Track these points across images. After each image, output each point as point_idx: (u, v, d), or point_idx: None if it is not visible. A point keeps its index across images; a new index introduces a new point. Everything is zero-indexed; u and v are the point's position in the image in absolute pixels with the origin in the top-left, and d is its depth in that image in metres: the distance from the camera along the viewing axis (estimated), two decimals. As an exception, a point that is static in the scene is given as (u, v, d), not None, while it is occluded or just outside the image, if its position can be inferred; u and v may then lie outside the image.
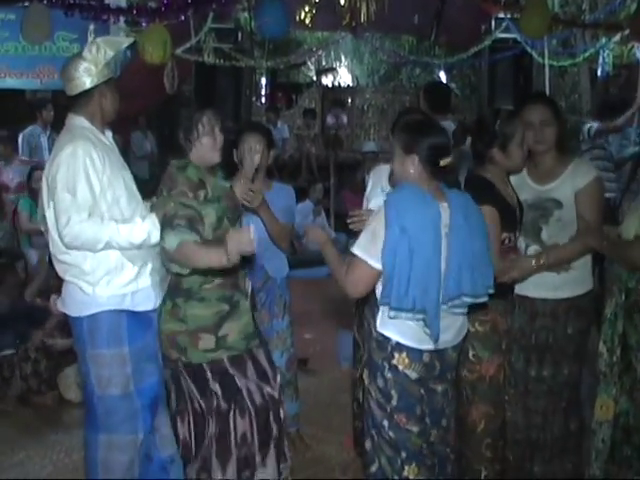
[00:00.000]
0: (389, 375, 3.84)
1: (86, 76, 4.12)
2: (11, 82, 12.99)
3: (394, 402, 3.85)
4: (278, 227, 4.95)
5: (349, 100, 17.12)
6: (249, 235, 3.60)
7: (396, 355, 3.82)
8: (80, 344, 4.19)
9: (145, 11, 9.30)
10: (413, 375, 3.82)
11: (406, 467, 3.87)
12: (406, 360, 3.81)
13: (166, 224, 3.90)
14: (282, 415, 4.40)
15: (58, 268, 4.20)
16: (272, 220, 4.88)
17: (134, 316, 4.12)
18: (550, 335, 4.47)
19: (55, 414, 6.14)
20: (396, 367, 3.82)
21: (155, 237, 3.99)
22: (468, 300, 3.80)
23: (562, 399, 4.51)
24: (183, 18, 9.39)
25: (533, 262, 4.32)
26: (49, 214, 4.09)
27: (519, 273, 4.29)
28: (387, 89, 17.93)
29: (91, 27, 11.70)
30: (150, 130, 13.76)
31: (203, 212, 3.98)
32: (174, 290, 4.13)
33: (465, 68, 17.08)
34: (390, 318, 3.74)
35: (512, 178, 4.51)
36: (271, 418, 4.31)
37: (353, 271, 3.83)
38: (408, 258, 3.63)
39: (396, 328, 3.80)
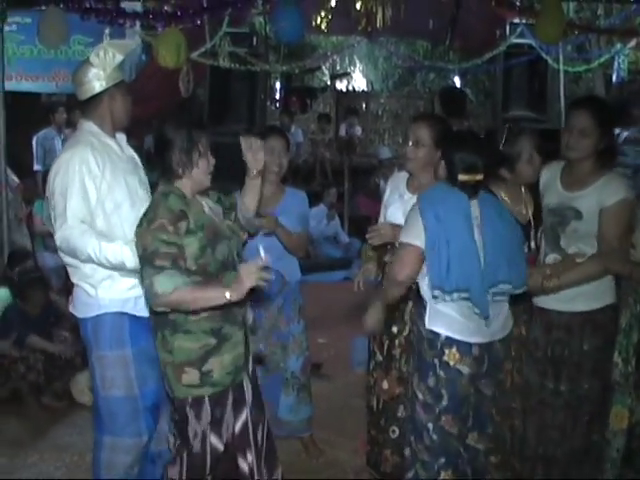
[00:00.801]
0: (441, 373, 3.95)
1: (95, 80, 4.16)
2: (27, 85, 13.03)
3: (444, 402, 3.94)
4: (294, 239, 5.01)
5: (363, 105, 17.12)
6: (258, 267, 3.55)
7: (446, 351, 3.94)
8: (87, 345, 4.28)
9: (161, 15, 9.31)
10: (465, 370, 3.92)
11: (442, 472, 3.94)
12: (457, 355, 3.93)
13: (147, 263, 3.67)
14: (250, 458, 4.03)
15: (68, 270, 4.27)
16: (288, 235, 4.96)
17: (137, 319, 4.14)
18: (565, 349, 4.37)
19: (68, 417, 6.15)
20: (447, 363, 3.94)
21: (130, 264, 3.94)
22: (506, 287, 3.92)
23: (583, 413, 4.38)
24: (199, 22, 9.40)
25: (542, 281, 4.20)
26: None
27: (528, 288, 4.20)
28: (401, 94, 17.94)
29: (106, 31, 11.73)
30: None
31: (185, 243, 3.72)
32: (162, 322, 3.85)
33: (479, 73, 17.03)
34: (434, 298, 3.92)
35: (546, 177, 4.47)
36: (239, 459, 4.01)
37: (398, 256, 4.10)
38: (445, 241, 3.86)
39: (445, 323, 3.95)
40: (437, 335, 3.96)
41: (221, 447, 3.91)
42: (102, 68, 4.14)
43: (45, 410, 6.25)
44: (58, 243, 4.02)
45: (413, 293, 4.21)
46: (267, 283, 3.68)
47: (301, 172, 15.22)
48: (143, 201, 4.17)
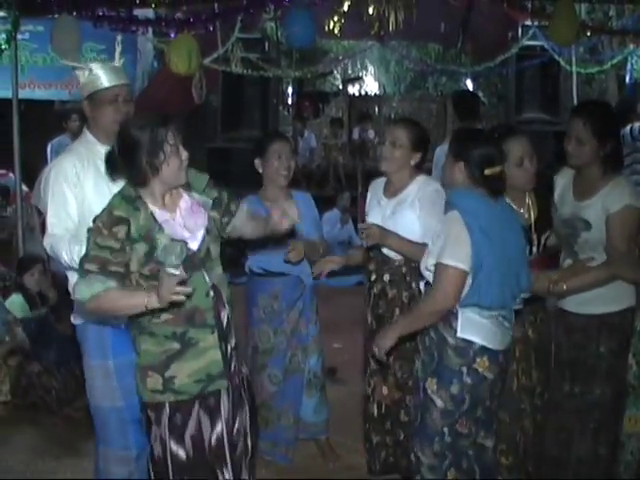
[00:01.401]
0: (468, 380, 3.86)
1: (82, 90, 4.23)
2: (40, 93, 13.08)
3: (465, 407, 3.89)
4: (317, 247, 5.07)
5: (376, 109, 17.11)
6: (174, 284, 3.24)
7: (478, 359, 3.85)
8: (81, 351, 4.33)
9: (173, 22, 9.34)
10: (490, 376, 3.88)
11: (448, 472, 3.93)
12: (486, 363, 3.86)
13: (80, 267, 3.51)
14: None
15: None
16: (312, 247, 5.02)
17: (120, 330, 4.07)
18: (582, 352, 4.35)
19: (85, 425, 6.15)
20: (476, 370, 3.86)
21: None
22: (526, 296, 3.95)
23: (590, 419, 4.35)
24: (211, 28, 9.42)
25: (549, 285, 4.20)
26: None
27: (535, 291, 4.18)
28: (414, 97, 17.96)
29: (118, 38, 11.71)
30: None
31: (127, 248, 3.45)
32: (132, 322, 3.64)
33: (492, 76, 17.00)
34: (478, 316, 3.81)
35: (560, 187, 4.46)
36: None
37: (443, 280, 3.81)
38: (491, 255, 3.75)
39: (479, 331, 3.86)
40: (470, 344, 3.84)
41: (183, 455, 3.64)
42: (81, 77, 4.19)
43: (66, 420, 6.26)
44: (44, 246, 4.13)
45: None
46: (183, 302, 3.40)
47: (314, 177, 15.24)
48: None
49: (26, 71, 11.97)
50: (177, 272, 3.30)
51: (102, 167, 3.94)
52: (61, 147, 10.90)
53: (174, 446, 3.61)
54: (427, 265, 3.95)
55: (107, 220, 3.46)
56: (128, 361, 4.01)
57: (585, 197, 4.32)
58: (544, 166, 4.64)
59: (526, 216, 4.34)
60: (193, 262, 3.56)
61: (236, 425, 3.75)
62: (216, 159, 14.63)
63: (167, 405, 3.60)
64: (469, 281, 3.78)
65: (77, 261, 3.76)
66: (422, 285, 4.20)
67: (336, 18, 11.13)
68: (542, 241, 4.39)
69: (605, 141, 4.27)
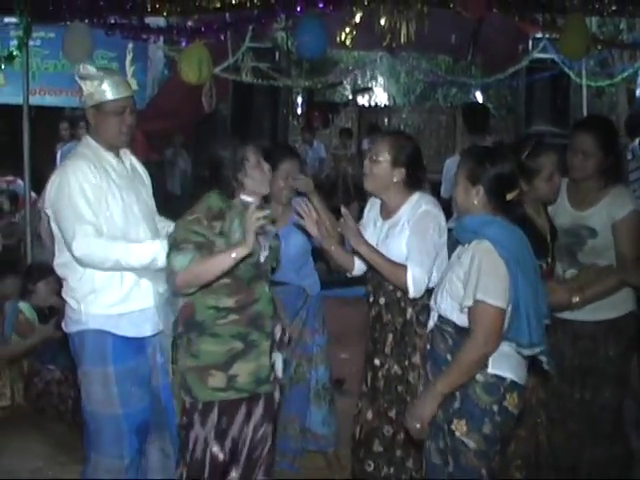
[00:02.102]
0: (498, 419, 3.55)
1: (85, 95, 4.18)
2: (50, 99, 13.13)
3: (498, 446, 3.61)
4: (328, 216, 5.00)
5: (385, 120, 17.13)
6: (258, 212, 3.63)
7: (507, 396, 3.55)
8: (75, 360, 4.25)
9: (184, 30, 9.35)
10: (516, 413, 3.63)
11: None
12: (515, 399, 3.57)
13: (173, 248, 3.81)
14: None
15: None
16: (323, 209, 5.00)
17: (121, 338, 4.10)
18: (591, 358, 4.39)
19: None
20: (506, 408, 3.56)
21: (162, 261, 3.94)
22: (547, 322, 3.68)
23: (604, 423, 4.40)
24: (222, 38, 9.44)
25: (569, 298, 4.20)
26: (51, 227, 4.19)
27: (553, 305, 4.07)
28: (423, 109, 17.95)
29: (129, 46, 11.81)
30: (186, 148, 13.85)
31: (217, 242, 3.82)
32: (188, 324, 3.97)
33: (502, 88, 17.03)
34: (513, 351, 3.54)
35: None
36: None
37: (484, 321, 3.47)
38: (526, 288, 3.46)
39: (511, 366, 3.57)
40: (501, 380, 3.53)
41: (221, 457, 3.94)
42: (86, 87, 4.14)
43: (72, 426, 6.24)
44: (77, 255, 3.94)
45: (454, 330, 3.70)
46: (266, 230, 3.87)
47: (323, 187, 15.23)
48: (138, 219, 4.17)
49: (37, 77, 12.01)
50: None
51: (111, 172, 4.11)
52: (70, 153, 10.95)
53: (215, 448, 3.90)
54: (462, 305, 3.54)
55: (207, 213, 3.87)
56: (128, 368, 4.10)
57: (586, 206, 4.40)
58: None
59: (544, 227, 4.33)
60: (259, 272, 3.96)
61: (262, 431, 4.05)
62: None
63: (216, 407, 3.89)
64: (506, 317, 3.49)
65: (142, 260, 3.95)
66: (410, 311, 4.24)
67: (348, 29, 11.14)
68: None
69: (608, 154, 4.35)
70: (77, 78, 4.16)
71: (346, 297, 9.27)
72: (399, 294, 4.35)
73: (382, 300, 4.45)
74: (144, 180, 4.47)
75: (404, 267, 4.11)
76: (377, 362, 4.49)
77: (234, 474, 4.01)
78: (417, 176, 4.40)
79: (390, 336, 4.42)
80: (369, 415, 4.56)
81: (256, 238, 3.71)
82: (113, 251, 3.94)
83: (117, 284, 4.07)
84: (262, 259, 3.98)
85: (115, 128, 4.15)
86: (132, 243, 4.02)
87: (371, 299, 4.54)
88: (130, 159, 4.38)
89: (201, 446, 3.92)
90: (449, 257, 3.90)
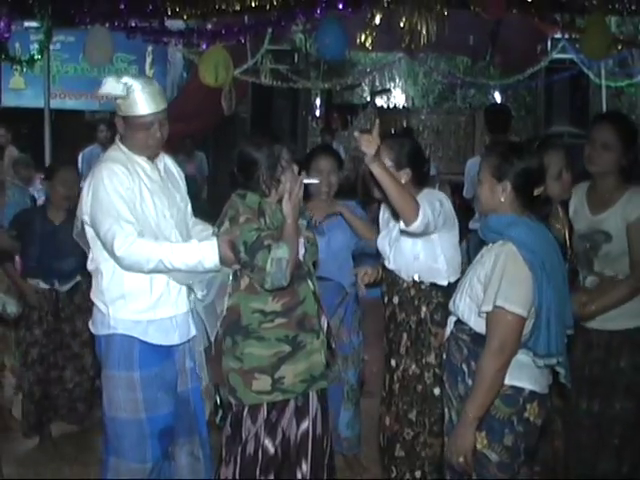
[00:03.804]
0: (520, 430, 3.47)
1: (118, 102, 4.10)
2: (71, 103, 13.20)
3: (522, 457, 3.52)
4: (362, 224, 5.11)
5: (404, 121, 17.08)
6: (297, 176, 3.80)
7: (528, 406, 3.47)
8: (101, 362, 4.26)
9: (204, 34, 9.39)
10: (539, 423, 3.54)
11: None
12: (536, 409, 3.48)
13: (257, 251, 3.77)
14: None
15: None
16: (356, 220, 5.11)
17: (148, 345, 4.10)
18: (602, 368, 4.33)
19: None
20: (528, 419, 3.48)
21: (210, 262, 3.90)
22: (570, 332, 3.59)
23: (612, 436, 4.32)
24: (242, 40, 9.46)
25: (579, 309, 4.11)
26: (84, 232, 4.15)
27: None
28: (442, 110, 17.88)
29: (149, 49, 11.86)
30: (206, 151, 13.84)
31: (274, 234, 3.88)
32: (233, 327, 3.99)
33: (521, 89, 16.95)
34: (531, 361, 3.44)
35: (574, 204, 4.45)
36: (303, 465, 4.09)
37: (502, 328, 3.36)
38: (550, 295, 3.35)
39: (530, 376, 3.48)
40: (519, 390, 3.45)
41: (272, 450, 3.96)
42: (122, 97, 4.05)
43: (95, 426, 6.24)
44: (119, 255, 3.88)
45: (469, 338, 3.61)
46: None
47: (343, 188, 15.18)
48: (170, 224, 4.16)
49: (57, 81, 12.08)
50: None
51: (143, 176, 4.08)
52: (92, 157, 10.99)
53: (267, 441, 3.94)
54: (480, 310, 3.46)
55: (251, 212, 3.90)
56: (154, 373, 4.11)
57: (601, 210, 4.34)
58: (573, 179, 4.59)
59: (562, 231, 4.30)
60: (301, 272, 3.98)
61: (320, 425, 4.07)
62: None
63: (264, 406, 3.94)
64: (527, 323, 3.39)
65: (188, 262, 3.91)
66: (424, 309, 4.28)
67: (368, 31, 11.13)
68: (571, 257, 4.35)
69: (628, 149, 4.30)
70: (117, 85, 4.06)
71: (366, 298, 9.28)
72: (412, 292, 4.41)
73: (396, 299, 4.51)
74: (179, 184, 4.43)
75: (417, 201, 4.04)
76: (393, 363, 4.54)
77: (304, 467, 4.02)
78: (423, 172, 4.50)
79: (405, 335, 4.47)
80: (387, 421, 4.61)
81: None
82: (157, 251, 3.91)
83: (147, 290, 4.06)
84: (301, 257, 3.97)
85: (142, 141, 4.12)
86: (177, 244, 4.01)
87: (385, 299, 4.60)
88: (165, 162, 4.34)
89: (253, 442, 3.96)
90: (473, 257, 3.80)
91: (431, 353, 4.35)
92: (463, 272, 4.01)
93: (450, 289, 4.23)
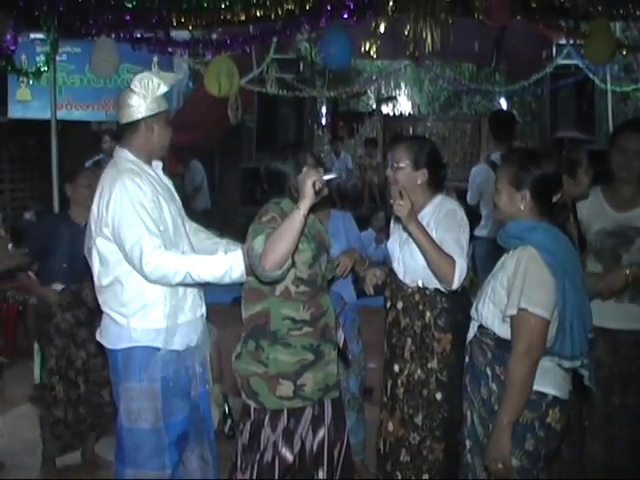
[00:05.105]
0: (541, 433, 3.50)
1: (134, 107, 4.09)
2: (77, 114, 13.18)
3: (541, 463, 3.54)
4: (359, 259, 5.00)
5: (410, 129, 17.10)
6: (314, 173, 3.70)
7: (550, 412, 3.51)
8: (114, 376, 4.22)
9: (210, 44, 9.41)
10: (559, 428, 3.55)
11: None
12: (558, 414, 3.52)
13: (257, 232, 3.78)
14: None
15: (99, 299, 4.20)
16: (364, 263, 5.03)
17: (168, 352, 4.10)
18: (633, 365, 4.41)
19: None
20: (549, 425, 3.51)
21: (237, 273, 3.90)
22: (591, 336, 3.57)
23: None
24: (247, 50, 9.48)
25: (622, 273, 4.16)
26: (97, 247, 4.08)
27: (611, 287, 4.18)
28: (448, 117, 17.89)
29: (155, 59, 11.87)
30: (211, 160, 13.85)
31: (299, 249, 3.84)
32: (259, 332, 4.00)
33: (526, 95, 16.96)
34: (556, 366, 3.47)
35: (589, 206, 4.52)
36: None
37: (528, 330, 3.41)
38: (572, 298, 3.39)
39: (553, 382, 3.52)
40: (543, 396, 3.48)
41: (290, 458, 3.99)
42: (142, 96, 4.08)
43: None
44: (147, 270, 3.87)
45: (493, 343, 3.66)
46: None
47: (350, 197, 15.24)
48: (180, 231, 4.18)
49: (63, 92, 12.09)
50: None
51: (156, 185, 4.09)
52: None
53: (285, 450, 3.97)
54: (505, 315, 3.50)
55: (282, 214, 3.87)
56: (173, 379, 4.12)
57: (627, 209, 4.48)
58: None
59: (573, 232, 4.32)
60: (323, 284, 4.07)
61: (334, 433, 4.12)
62: (251, 179, 14.69)
63: (285, 411, 3.96)
64: (550, 327, 3.43)
65: (216, 273, 3.90)
66: (429, 315, 4.25)
67: (372, 39, 11.14)
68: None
69: None
70: (136, 84, 4.09)
71: (372, 306, 9.28)
72: (417, 297, 4.40)
73: (400, 304, 4.49)
74: (173, 191, 4.42)
75: (452, 257, 4.06)
76: (396, 368, 4.52)
77: (321, 475, 4.09)
78: (439, 176, 4.47)
79: (409, 340, 4.45)
80: (390, 426, 4.57)
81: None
82: (184, 264, 3.89)
83: (166, 297, 4.05)
84: (323, 269, 4.07)
85: (163, 139, 4.21)
86: (203, 255, 4.00)
87: (388, 304, 4.59)
88: (159, 170, 4.33)
89: (271, 449, 3.98)
90: (493, 266, 3.82)
91: (434, 359, 4.36)
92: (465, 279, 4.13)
93: (454, 295, 4.28)
